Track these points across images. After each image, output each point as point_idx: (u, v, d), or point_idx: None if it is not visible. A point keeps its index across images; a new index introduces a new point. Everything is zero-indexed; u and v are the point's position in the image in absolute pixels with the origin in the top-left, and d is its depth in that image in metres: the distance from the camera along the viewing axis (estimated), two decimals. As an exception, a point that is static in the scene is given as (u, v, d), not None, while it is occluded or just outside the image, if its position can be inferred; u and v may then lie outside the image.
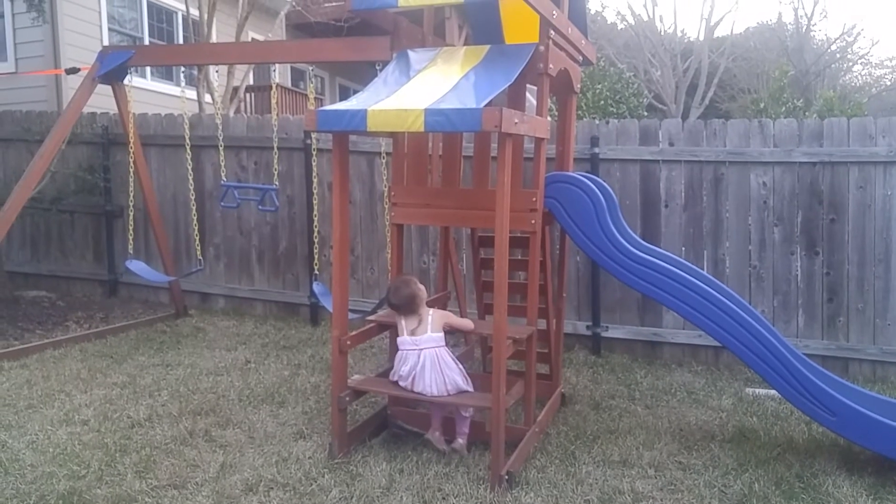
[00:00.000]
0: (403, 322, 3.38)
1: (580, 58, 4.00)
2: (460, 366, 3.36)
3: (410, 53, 3.53)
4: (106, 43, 8.94)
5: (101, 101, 5.98)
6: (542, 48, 3.31)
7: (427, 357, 3.27)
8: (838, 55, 24.44)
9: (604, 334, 5.25)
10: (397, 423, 3.64)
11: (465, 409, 3.36)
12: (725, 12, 39.55)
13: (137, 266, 5.58)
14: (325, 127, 3.07)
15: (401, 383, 3.32)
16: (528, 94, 3.69)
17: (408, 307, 3.39)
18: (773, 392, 4.14)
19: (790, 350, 3.52)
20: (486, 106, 2.79)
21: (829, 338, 4.82)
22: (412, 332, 3.34)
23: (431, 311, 3.43)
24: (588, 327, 5.28)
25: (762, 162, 4.88)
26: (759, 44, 23.91)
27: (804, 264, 4.86)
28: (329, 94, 15.09)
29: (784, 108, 14.13)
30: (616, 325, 5.24)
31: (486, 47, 3.41)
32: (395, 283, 3.50)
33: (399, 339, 3.38)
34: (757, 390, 4.40)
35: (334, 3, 13.00)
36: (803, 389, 3.26)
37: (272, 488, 3.01)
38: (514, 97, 3.53)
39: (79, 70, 5.65)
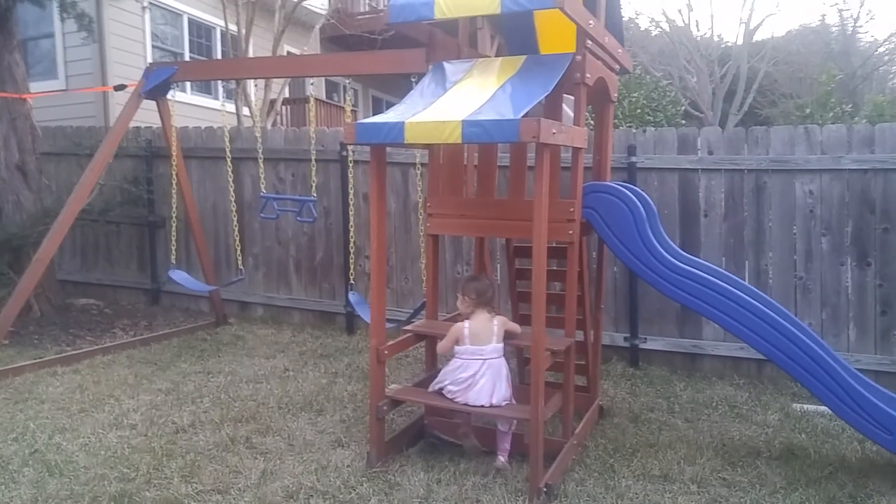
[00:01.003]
0: (468, 328, 3.32)
1: (617, 66, 3.96)
2: (510, 378, 3.35)
3: (446, 65, 3.55)
4: (150, 60, 9.24)
5: (144, 115, 6.16)
6: (578, 57, 3.29)
7: (490, 367, 3.25)
8: (886, 57, 23.66)
9: (642, 346, 5.17)
10: (434, 434, 3.64)
11: (505, 424, 3.34)
12: (766, 15, 38.44)
13: (179, 275, 5.71)
14: (363, 139, 3.10)
15: (451, 387, 3.27)
16: (564, 106, 3.67)
17: (493, 297, 3.43)
18: (822, 408, 4.00)
19: (841, 364, 3.40)
20: (523, 117, 2.79)
21: (882, 352, 4.64)
22: (476, 340, 3.29)
23: (496, 316, 3.39)
24: (626, 339, 5.20)
25: (808, 170, 4.74)
26: (802, 47, 23.30)
27: (855, 275, 4.70)
28: (362, 107, 15.25)
29: (832, 114, 13.73)
30: (655, 337, 5.15)
31: (523, 58, 3.41)
32: (479, 274, 3.66)
33: (460, 348, 3.31)
34: (805, 406, 4.26)
35: (368, 16, 13.18)
36: (856, 406, 3.15)
37: (312, 496, 3.03)
38: (550, 107, 3.52)
39: (126, 86, 5.84)
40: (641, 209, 3.46)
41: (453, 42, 3.87)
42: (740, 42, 22.43)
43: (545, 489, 2.98)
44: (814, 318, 4.77)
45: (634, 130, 5.25)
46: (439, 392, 3.34)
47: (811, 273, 4.80)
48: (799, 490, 3.16)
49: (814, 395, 3.26)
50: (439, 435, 3.61)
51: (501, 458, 3.31)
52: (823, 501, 3.05)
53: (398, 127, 2.96)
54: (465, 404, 3.24)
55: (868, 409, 3.13)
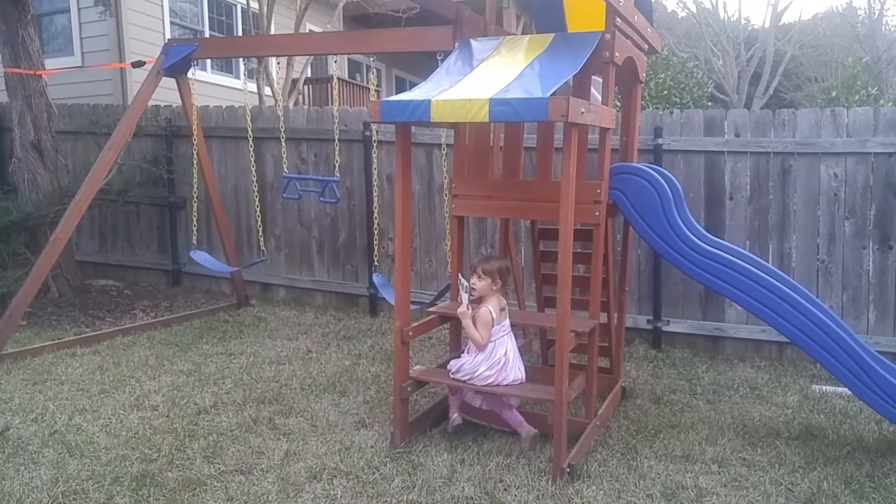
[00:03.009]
0: (493, 310, 3.31)
1: (646, 46, 3.90)
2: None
3: (473, 43, 3.50)
4: (168, 36, 9.13)
5: (164, 94, 6.12)
6: (608, 36, 3.24)
7: (511, 338, 3.35)
8: (912, 40, 23.10)
9: (664, 328, 5.15)
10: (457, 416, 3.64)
11: (502, 406, 3.38)
12: (793, -2, 37.45)
13: (201, 256, 5.67)
14: (388, 118, 3.06)
15: (487, 373, 3.26)
16: (592, 89, 3.62)
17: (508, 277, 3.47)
18: (842, 390, 3.99)
19: (862, 346, 3.37)
20: (551, 95, 2.75)
21: (902, 335, 4.61)
22: (500, 318, 3.34)
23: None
24: (649, 321, 5.18)
25: (834, 153, 4.68)
26: (829, 30, 22.84)
27: (877, 259, 4.65)
28: (385, 86, 15.12)
29: (857, 97, 13.49)
30: (677, 320, 5.13)
31: (551, 36, 3.36)
32: (499, 255, 3.74)
33: (494, 329, 3.33)
34: (825, 387, 4.25)
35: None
36: (876, 387, 3.15)
37: (335, 476, 3.05)
38: (579, 87, 3.47)
39: (144, 63, 5.77)
40: (668, 191, 3.42)
41: (480, 19, 3.81)
42: (767, 25, 22.03)
43: (568, 469, 3.00)
44: (834, 301, 4.74)
45: (661, 112, 5.18)
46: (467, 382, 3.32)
47: (833, 256, 4.75)
48: (817, 469, 3.17)
49: (835, 376, 3.25)
50: (464, 416, 3.63)
51: (529, 428, 3.33)
52: (841, 480, 3.06)
53: (424, 105, 2.92)
54: (497, 384, 3.26)
55: (888, 391, 3.12)
